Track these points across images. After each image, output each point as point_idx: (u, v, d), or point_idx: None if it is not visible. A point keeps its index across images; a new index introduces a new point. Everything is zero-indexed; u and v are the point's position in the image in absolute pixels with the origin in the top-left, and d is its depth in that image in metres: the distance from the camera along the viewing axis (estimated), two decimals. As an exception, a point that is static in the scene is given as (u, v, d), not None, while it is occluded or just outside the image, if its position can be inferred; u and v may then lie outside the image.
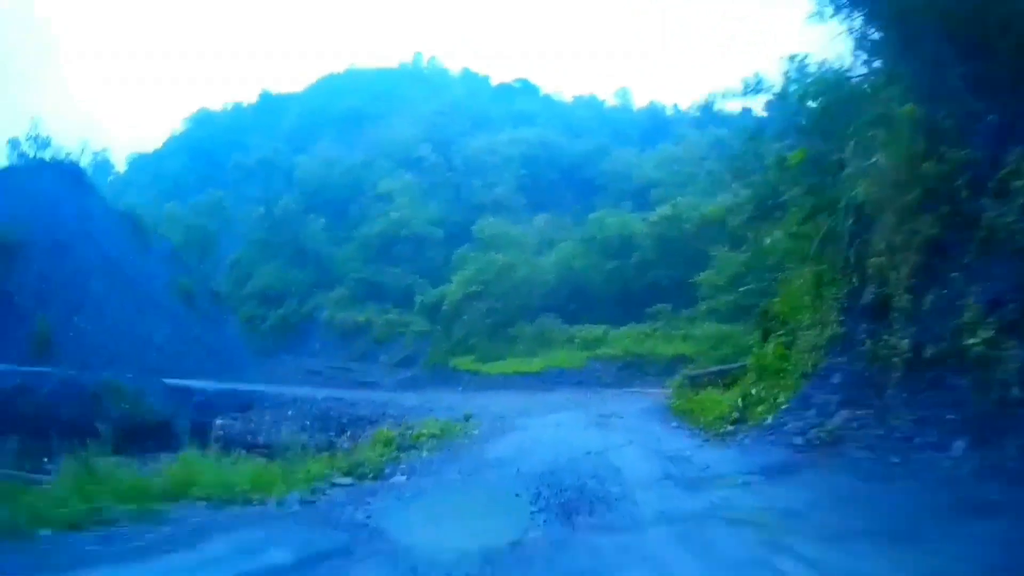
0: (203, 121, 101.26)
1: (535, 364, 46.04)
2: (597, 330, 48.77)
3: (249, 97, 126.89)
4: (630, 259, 54.67)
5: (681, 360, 39.36)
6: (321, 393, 38.78)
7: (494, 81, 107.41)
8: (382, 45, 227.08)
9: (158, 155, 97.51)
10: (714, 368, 29.05)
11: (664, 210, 55.82)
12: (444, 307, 55.21)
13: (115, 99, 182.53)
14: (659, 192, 62.05)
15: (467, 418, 24.12)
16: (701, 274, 46.20)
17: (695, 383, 25.82)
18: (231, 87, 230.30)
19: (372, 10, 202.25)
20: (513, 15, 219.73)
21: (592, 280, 55.65)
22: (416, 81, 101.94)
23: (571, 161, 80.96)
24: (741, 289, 36.73)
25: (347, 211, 72.76)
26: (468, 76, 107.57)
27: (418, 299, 59.09)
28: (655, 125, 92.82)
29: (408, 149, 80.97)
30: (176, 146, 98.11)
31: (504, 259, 55.12)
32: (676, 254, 51.91)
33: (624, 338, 46.60)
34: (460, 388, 44.86)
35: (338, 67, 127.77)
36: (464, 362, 50.07)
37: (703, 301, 45.83)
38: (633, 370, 42.38)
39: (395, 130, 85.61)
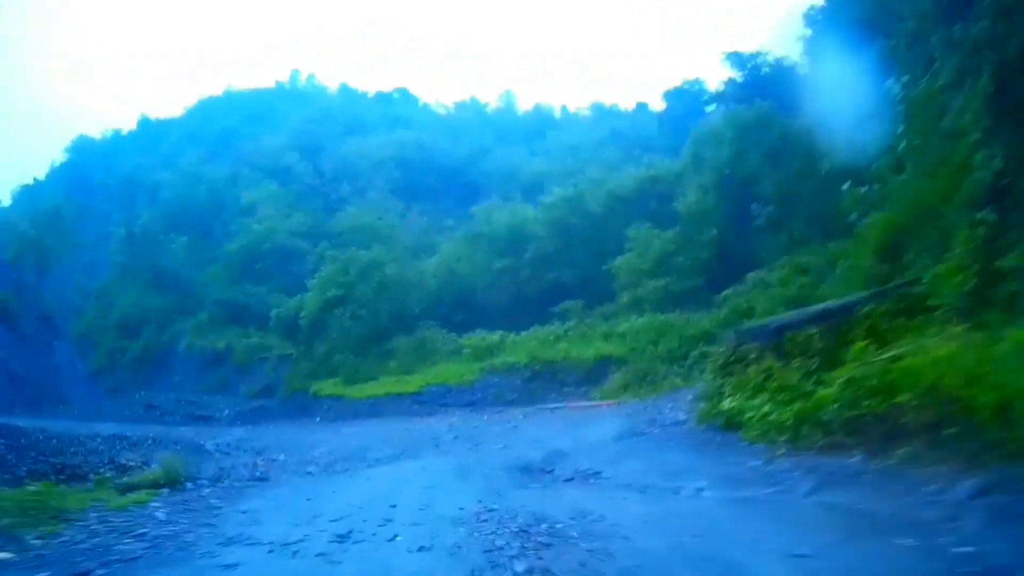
0: (82, 149, 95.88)
1: (413, 382, 39.37)
2: (492, 337, 42.19)
3: (128, 123, 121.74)
4: (524, 255, 48.23)
5: (607, 363, 34.10)
6: (115, 430, 30.89)
7: (373, 93, 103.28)
8: (261, 66, 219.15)
9: (39, 185, 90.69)
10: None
11: (561, 191, 49.81)
12: (301, 320, 48.37)
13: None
14: (553, 183, 54.62)
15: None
16: (617, 259, 41.19)
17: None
18: (112, 113, 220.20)
19: (249, 32, 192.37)
20: (389, 28, 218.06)
21: (480, 283, 49.46)
22: (292, 99, 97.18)
23: (452, 164, 75.37)
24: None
25: (212, 229, 66.57)
26: (345, 90, 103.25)
27: (273, 313, 51.83)
28: (542, 125, 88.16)
29: (275, 159, 75.17)
30: (57, 175, 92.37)
31: (370, 255, 48.62)
32: (580, 242, 47.08)
33: (527, 344, 39.99)
34: (318, 418, 38.78)
35: (216, 90, 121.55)
36: (326, 386, 43.47)
37: (623, 291, 40.75)
38: (544, 380, 35.64)
39: (263, 142, 79.86)
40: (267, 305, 53.81)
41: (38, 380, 47.13)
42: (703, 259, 39.61)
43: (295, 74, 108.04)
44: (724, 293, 35.22)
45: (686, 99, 66.79)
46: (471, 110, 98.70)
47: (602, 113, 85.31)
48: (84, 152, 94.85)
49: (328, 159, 74.33)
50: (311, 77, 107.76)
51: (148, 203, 71.96)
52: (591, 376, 34.13)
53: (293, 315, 49.77)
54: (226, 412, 43.64)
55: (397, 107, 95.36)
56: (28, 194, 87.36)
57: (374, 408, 37.62)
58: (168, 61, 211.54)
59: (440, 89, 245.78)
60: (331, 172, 72.98)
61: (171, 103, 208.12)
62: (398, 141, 76.72)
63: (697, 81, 67.07)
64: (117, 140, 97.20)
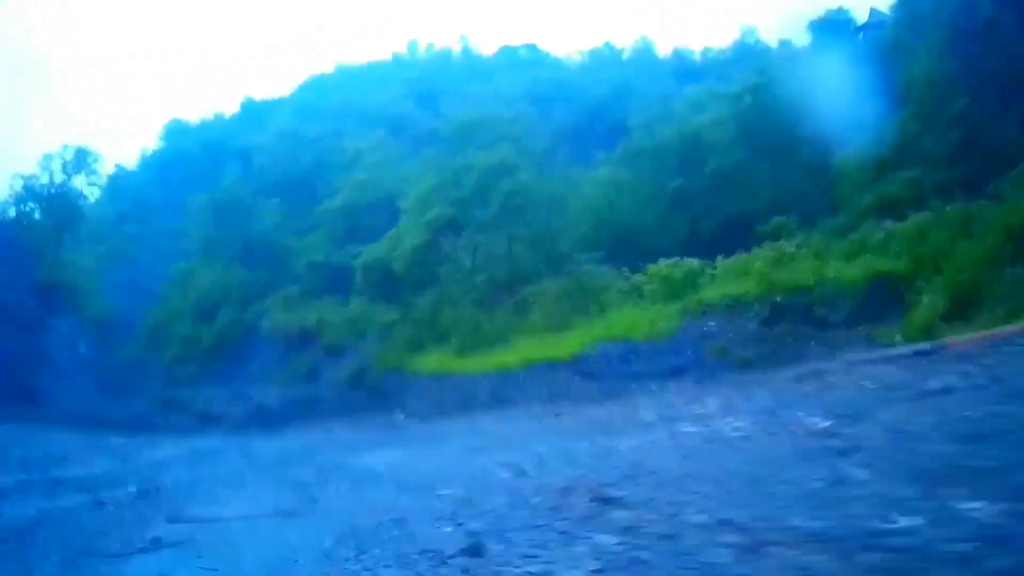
0: (178, 133, 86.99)
1: (568, 342, 25.84)
2: (685, 266, 28.36)
3: (230, 107, 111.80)
4: (703, 169, 36.12)
5: (883, 286, 21.56)
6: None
7: (496, 50, 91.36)
8: (373, 39, 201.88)
9: (126, 174, 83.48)
10: None
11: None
12: (395, 264, 35.71)
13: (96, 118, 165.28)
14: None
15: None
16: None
17: None
18: (211, 98, 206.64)
19: (358, 5, 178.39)
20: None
21: (646, 212, 37.15)
22: (410, 69, 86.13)
23: (591, 102, 62.74)
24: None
25: (311, 191, 55.53)
26: (468, 53, 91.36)
27: (359, 264, 39.91)
28: (683, 70, 74.37)
29: (385, 108, 64.59)
30: (151, 162, 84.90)
31: (495, 157, 35.04)
32: (773, 148, 36.30)
33: (747, 268, 26.17)
34: (401, 414, 27.04)
35: (327, 67, 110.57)
36: (428, 359, 30.83)
37: (852, 196, 31.21)
38: (792, 322, 22.14)
39: (372, 96, 69.95)
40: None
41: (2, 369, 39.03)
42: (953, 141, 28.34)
43: (412, 44, 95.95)
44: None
45: (832, 30, 54.27)
46: (605, 56, 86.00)
47: (746, 53, 70.69)
48: (179, 137, 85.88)
49: (449, 105, 60.64)
50: (430, 47, 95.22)
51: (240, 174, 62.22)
52: (865, 309, 21.33)
53: (386, 261, 37.01)
54: (255, 407, 34.20)
55: (524, 61, 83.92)
56: (115, 183, 78.11)
57: (501, 388, 25.02)
58: (274, 41, 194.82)
59: (570, 44, 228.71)
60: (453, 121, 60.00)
61: (279, 84, 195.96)
62: (530, 78, 66.43)
63: (841, 11, 56.06)
64: (218, 124, 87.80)
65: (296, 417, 29.77)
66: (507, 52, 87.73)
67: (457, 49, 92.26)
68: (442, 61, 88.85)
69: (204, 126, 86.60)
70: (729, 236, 31.35)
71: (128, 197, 75.61)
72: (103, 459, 20.65)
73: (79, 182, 49.86)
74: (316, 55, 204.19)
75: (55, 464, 19.52)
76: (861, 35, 48.02)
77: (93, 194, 55.42)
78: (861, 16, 52.84)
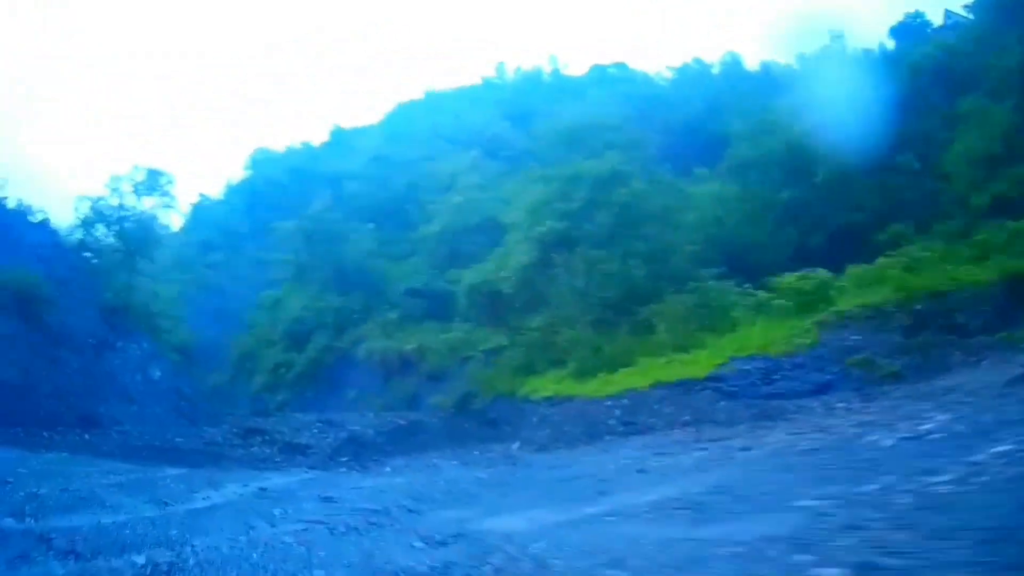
0: (264, 162, 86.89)
1: (700, 360, 24.35)
2: (814, 277, 27.10)
3: (318, 136, 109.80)
4: (814, 178, 34.68)
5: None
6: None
7: (587, 70, 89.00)
8: (461, 65, 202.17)
9: (219, 202, 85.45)
10: None
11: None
12: (502, 284, 33.57)
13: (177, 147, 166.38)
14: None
15: None
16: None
17: None
18: (298, 129, 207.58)
19: (445, 31, 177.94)
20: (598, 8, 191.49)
21: (755, 228, 35.75)
22: (499, 92, 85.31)
23: (687, 121, 60.29)
24: None
25: (405, 216, 54.33)
26: (557, 75, 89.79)
27: (464, 286, 37.76)
28: (772, 83, 68.51)
29: (479, 130, 62.90)
30: (236, 190, 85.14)
31: (607, 164, 33.27)
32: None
33: (874, 279, 25.71)
34: (516, 444, 24.01)
35: (415, 94, 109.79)
36: (545, 382, 28.77)
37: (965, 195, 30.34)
38: (936, 328, 21.45)
39: (465, 117, 68.64)
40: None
41: (62, 392, 35.15)
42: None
43: (501, 67, 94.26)
44: None
45: (911, 33, 57.75)
46: (695, 72, 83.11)
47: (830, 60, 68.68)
48: (266, 166, 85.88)
49: (542, 124, 59.65)
50: (518, 69, 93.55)
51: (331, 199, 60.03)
52: (1002, 313, 21.14)
53: (492, 282, 35.06)
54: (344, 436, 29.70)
55: (615, 79, 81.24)
56: (198, 212, 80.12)
57: (632, 413, 22.28)
58: (361, 69, 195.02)
59: (659, 61, 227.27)
60: (548, 137, 58.35)
61: (367, 112, 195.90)
62: (622, 95, 63.75)
63: (918, 13, 60.19)
64: (306, 151, 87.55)
65: (394, 448, 27.02)
66: (597, 71, 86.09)
67: (547, 69, 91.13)
68: (532, 82, 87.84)
69: (291, 153, 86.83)
70: (839, 248, 30.64)
71: (213, 226, 75.96)
72: (138, 500, 15.87)
73: (151, 204, 48.18)
74: (404, 83, 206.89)
75: (66, 508, 15.07)
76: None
77: (167, 217, 54.20)
78: (936, 19, 56.30)
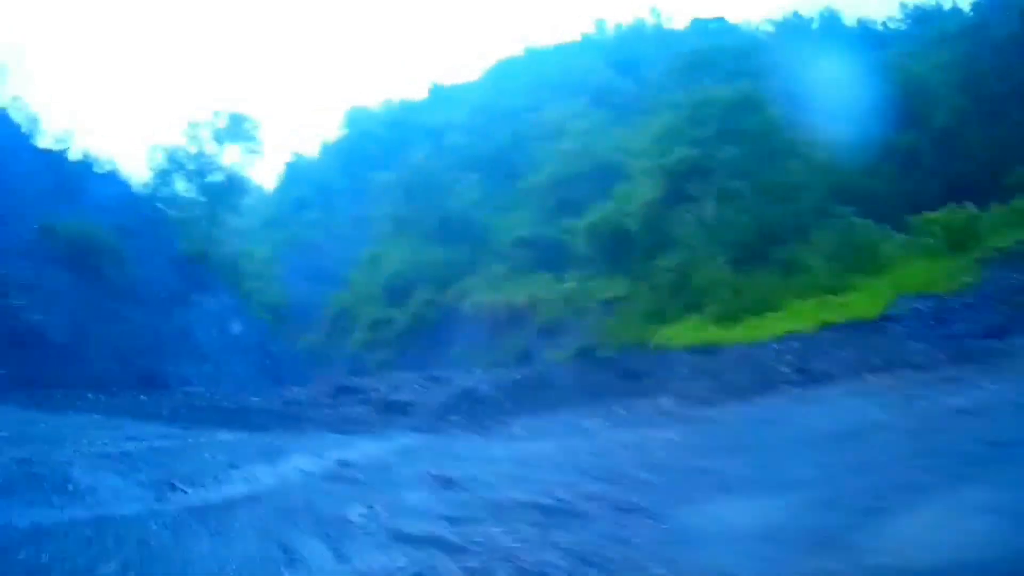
0: (361, 120, 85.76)
1: (859, 301, 22.61)
2: (963, 212, 24.77)
3: (416, 95, 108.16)
4: (930, 123, 32.70)
5: None
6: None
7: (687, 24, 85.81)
8: (559, 22, 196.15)
9: (314, 160, 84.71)
10: None
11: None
12: (628, 222, 31.22)
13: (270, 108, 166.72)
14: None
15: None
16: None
17: None
18: (393, 90, 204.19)
19: None
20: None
21: (876, 173, 32.31)
22: (599, 50, 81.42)
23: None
24: None
25: (510, 166, 52.19)
26: (660, 29, 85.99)
27: (583, 226, 35.27)
28: (868, 38, 65.11)
29: (583, 80, 60.25)
30: (332, 149, 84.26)
31: (739, 91, 31.04)
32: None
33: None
34: (663, 397, 20.25)
35: (514, 51, 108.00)
36: (682, 329, 26.41)
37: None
38: None
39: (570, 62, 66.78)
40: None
41: (121, 350, 32.67)
42: None
43: (601, 23, 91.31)
44: None
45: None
46: (793, 26, 78.48)
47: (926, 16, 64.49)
48: (362, 123, 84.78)
49: (650, 72, 56.60)
50: (618, 26, 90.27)
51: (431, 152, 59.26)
52: None
53: (615, 221, 32.48)
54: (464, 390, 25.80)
55: (716, 31, 77.03)
56: (293, 170, 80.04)
57: (803, 358, 19.77)
58: (458, 30, 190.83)
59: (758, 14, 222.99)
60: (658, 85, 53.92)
61: (465, 71, 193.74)
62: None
63: None
64: (404, 108, 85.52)
65: (516, 405, 23.06)
66: (698, 24, 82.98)
67: (649, 22, 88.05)
68: (634, 35, 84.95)
69: (389, 110, 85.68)
70: (959, 195, 27.38)
71: (308, 184, 75.41)
72: (131, 481, 11.36)
73: (235, 152, 45.90)
74: (501, 41, 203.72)
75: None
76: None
77: (252, 164, 51.97)
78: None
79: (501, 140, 55.65)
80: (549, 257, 40.94)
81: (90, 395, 25.06)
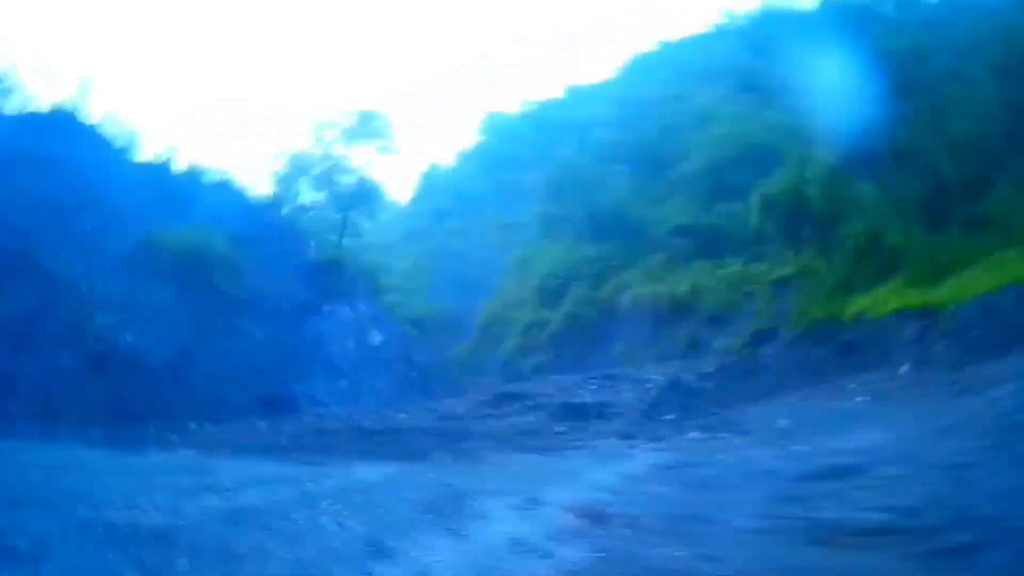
0: (498, 126, 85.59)
1: None
2: None
3: (549, 96, 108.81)
4: None
5: None
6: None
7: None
8: (683, 19, 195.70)
9: (451, 170, 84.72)
10: None
11: None
12: (809, 189, 29.00)
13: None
14: None
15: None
16: None
17: None
18: (526, 93, 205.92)
19: None
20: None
21: None
22: (735, 36, 75.25)
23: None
24: None
25: (658, 157, 50.72)
26: (792, 14, 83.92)
27: (756, 200, 33.48)
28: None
29: (723, 67, 58.89)
30: (470, 156, 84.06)
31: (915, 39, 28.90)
32: None
33: None
34: (905, 366, 19.18)
35: (646, 47, 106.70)
36: (878, 299, 24.55)
37: None
38: None
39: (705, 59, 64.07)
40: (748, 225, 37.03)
41: (238, 371, 30.13)
42: None
43: (729, 13, 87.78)
44: None
45: None
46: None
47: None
48: (500, 129, 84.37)
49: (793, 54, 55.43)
50: (748, 13, 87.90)
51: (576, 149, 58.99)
52: None
53: (793, 192, 30.55)
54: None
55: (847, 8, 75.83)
56: (430, 180, 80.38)
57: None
58: (583, 33, 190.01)
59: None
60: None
61: (596, 72, 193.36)
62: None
63: None
64: (542, 111, 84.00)
65: (731, 396, 21.24)
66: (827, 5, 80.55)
67: (779, 4, 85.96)
68: (767, 19, 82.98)
69: (528, 113, 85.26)
70: None
71: (446, 193, 75.42)
72: None
73: (366, 153, 44.11)
74: (628, 41, 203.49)
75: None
76: None
77: (386, 166, 50.99)
78: None
79: (647, 131, 54.31)
80: (707, 244, 40.14)
81: (192, 425, 22.99)
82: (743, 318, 32.65)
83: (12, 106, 39.46)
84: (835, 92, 30.14)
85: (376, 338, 39.11)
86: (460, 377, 40.94)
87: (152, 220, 32.59)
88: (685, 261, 40.55)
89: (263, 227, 38.64)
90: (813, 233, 29.51)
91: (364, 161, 43.49)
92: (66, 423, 22.01)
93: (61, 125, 35.90)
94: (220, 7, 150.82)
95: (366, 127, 42.91)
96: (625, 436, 17.04)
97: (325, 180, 43.07)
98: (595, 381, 26.03)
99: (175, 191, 36.54)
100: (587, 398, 23.12)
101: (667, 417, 19.04)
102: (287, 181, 42.73)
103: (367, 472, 13.57)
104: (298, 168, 42.64)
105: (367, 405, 29.84)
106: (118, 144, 38.84)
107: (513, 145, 74.49)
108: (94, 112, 38.20)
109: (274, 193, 43.08)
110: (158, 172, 38.22)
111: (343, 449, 17.64)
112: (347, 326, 38.08)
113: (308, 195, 44.19)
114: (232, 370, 29.51)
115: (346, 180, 42.76)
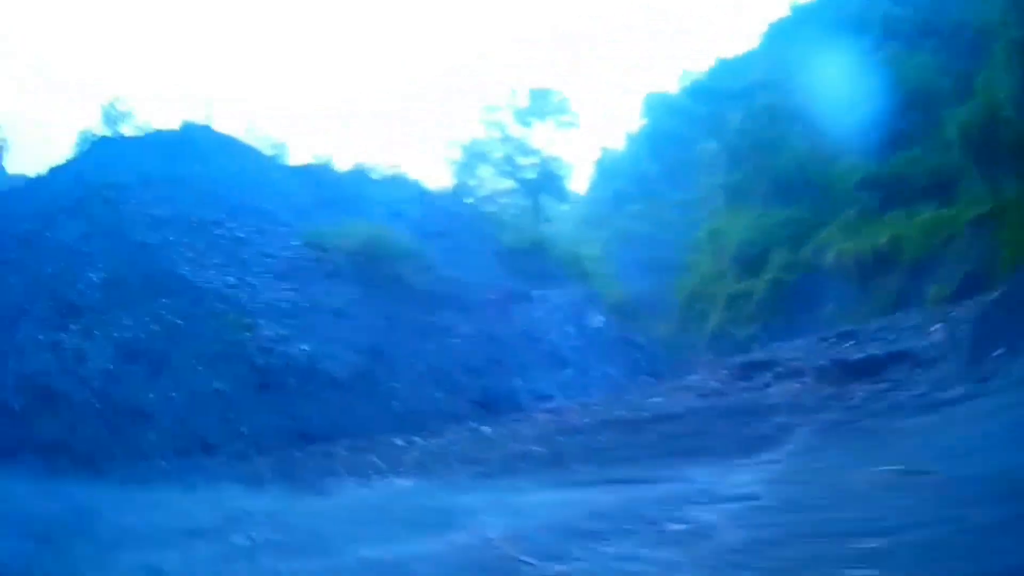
0: (659, 105, 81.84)
1: None
2: None
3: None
4: None
5: None
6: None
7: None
8: None
9: (622, 154, 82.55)
10: None
11: None
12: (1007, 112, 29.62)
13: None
14: None
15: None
16: None
17: None
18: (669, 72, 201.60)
19: None
20: None
21: None
22: None
23: None
24: None
25: (829, 112, 47.85)
26: None
27: (944, 135, 34.69)
28: None
29: (872, 17, 56.80)
30: (638, 139, 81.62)
31: None
32: None
33: None
34: None
35: (780, 12, 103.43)
36: None
37: None
38: None
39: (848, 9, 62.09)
40: (942, 174, 36.97)
41: (444, 372, 27.38)
42: None
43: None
44: None
45: None
46: None
47: None
48: (662, 108, 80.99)
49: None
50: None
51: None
52: None
53: (987, 116, 30.88)
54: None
55: None
56: (603, 166, 79.25)
57: None
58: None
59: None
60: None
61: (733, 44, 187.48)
62: None
63: None
64: (702, 83, 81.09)
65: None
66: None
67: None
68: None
69: (685, 90, 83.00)
70: None
71: (622, 177, 74.61)
72: None
73: (546, 131, 43.56)
74: (762, 11, 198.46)
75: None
76: None
77: (567, 144, 49.08)
78: None
79: (805, 91, 52.21)
80: (894, 193, 39.63)
81: (398, 441, 19.57)
82: (947, 264, 32.36)
83: (131, 130, 40.84)
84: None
85: (596, 320, 37.21)
86: (672, 357, 40.00)
87: (317, 222, 32.54)
88: (877, 213, 40.17)
89: (448, 218, 38.65)
90: (1012, 164, 29.48)
91: (545, 141, 42.88)
92: (221, 455, 20.12)
93: (191, 141, 37.59)
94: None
95: (542, 105, 41.92)
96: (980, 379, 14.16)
97: (508, 164, 42.74)
98: (828, 342, 23.16)
99: (341, 191, 37.35)
100: (859, 354, 20.02)
101: (996, 353, 15.59)
102: (466, 169, 42.72)
103: (734, 480, 10.84)
104: (475, 155, 42.29)
105: (598, 393, 26.60)
106: (265, 152, 40.61)
107: (678, 122, 73.34)
108: (230, 126, 38.88)
109: (455, 183, 42.92)
110: (317, 174, 39.57)
111: (619, 452, 14.63)
112: (562, 311, 35.85)
113: (491, 182, 44.13)
114: (436, 372, 26.90)
115: (529, 160, 42.16)
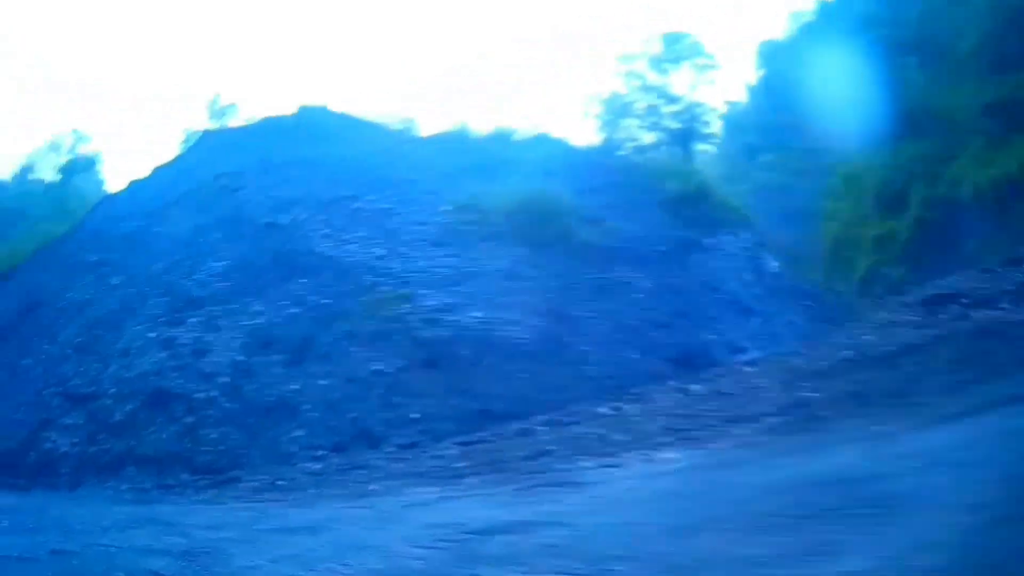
0: (772, 54, 78.98)
1: None
2: None
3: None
4: None
5: None
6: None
7: None
8: None
9: (744, 107, 79.63)
10: None
11: None
12: None
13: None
14: None
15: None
16: None
17: None
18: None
19: None
20: None
21: None
22: None
23: None
24: None
25: (936, 43, 48.46)
26: None
27: None
28: None
29: None
30: (757, 91, 78.36)
31: None
32: None
33: None
34: None
35: None
36: None
37: None
38: None
39: None
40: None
41: (625, 329, 25.93)
42: None
43: None
44: None
45: None
46: None
47: None
48: (774, 57, 77.81)
49: None
50: None
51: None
52: None
53: None
54: None
55: None
56: (729, 121, 76.95)
57: None
58: None
59: None
60: None
61: None
62: None
63: None
64: (809, 27, 75.30)
65: None
66: None
67: None
68: None
69: (794, 38, 79.26)
70: None
71: (749, 131, 73.78)
72: None
73: (685, 77, 42.82)
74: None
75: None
76: None
77: (711, 87, 47.76)
78: None
79: (908, 26, 51.77)
80: (1017, 119, 38.98)
81: (604, 409, 16.71)
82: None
83: (237, 121, 41.59)
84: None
85: (772, 265, 36.94)
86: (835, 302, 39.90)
87: (464, 188, 31.50)
88: (1004, 141, 39.56)
89: (602, 173, 37.70)
90: None
91: (686, 87, 42.47)
92: (388, 447, 17.88)
93: (309, 124, 38.41)
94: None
95: (676, 49, 41.47)
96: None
97: (652, 115, 42.77)
98: (994, 273, 21.17)
99: (484, 155, 36.50)
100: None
101: None
102: (610, 124, 43.03)
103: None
104: (617, 108, 42.46)
105: (789, 342, 24.82)
106: (392, 127, 41.00)
107: (794, 67, 69.00)
108: (353, 106, 39.33)
109: (602, 138, 42.85)
110: (455, 141, 39.52)
111: (904, 388, 12.29)
112: (737, 258, 35.31)
113: (637, 133, 43.98)
114: (624, 330, 25.37)
115: (674, 109, 41.99)
